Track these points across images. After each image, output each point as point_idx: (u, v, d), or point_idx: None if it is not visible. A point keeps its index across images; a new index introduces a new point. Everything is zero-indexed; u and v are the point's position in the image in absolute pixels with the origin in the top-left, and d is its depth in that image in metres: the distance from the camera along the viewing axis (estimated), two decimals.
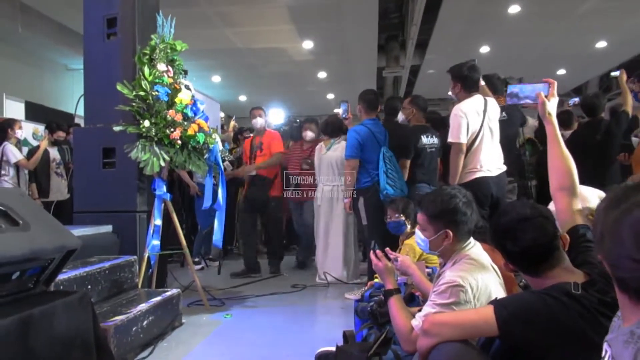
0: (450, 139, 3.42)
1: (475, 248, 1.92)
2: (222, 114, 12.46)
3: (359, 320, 2.58)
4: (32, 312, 1.81)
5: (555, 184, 1.76)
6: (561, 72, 10.98)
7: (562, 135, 5.46)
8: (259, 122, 5.46)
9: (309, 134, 5.59)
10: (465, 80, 3.39)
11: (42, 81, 9.21)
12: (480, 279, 1.76)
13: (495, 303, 1.42)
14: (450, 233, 1.89)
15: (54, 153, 5.79)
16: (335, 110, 4.90)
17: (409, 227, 3.48)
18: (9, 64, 8.36)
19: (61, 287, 2.54)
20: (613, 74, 4.76)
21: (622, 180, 4.81)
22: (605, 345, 1.13)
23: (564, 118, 5.52)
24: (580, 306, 1.33)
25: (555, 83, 1.92)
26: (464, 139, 3.38)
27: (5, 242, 1.79)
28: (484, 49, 9.25)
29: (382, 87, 11.65)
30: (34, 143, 7.08)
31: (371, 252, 2.29)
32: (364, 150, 4.20)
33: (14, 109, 8.18)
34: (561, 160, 1.78)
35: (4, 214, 1.93)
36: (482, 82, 3.66)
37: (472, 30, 8.35)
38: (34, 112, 8.41)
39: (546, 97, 1.90)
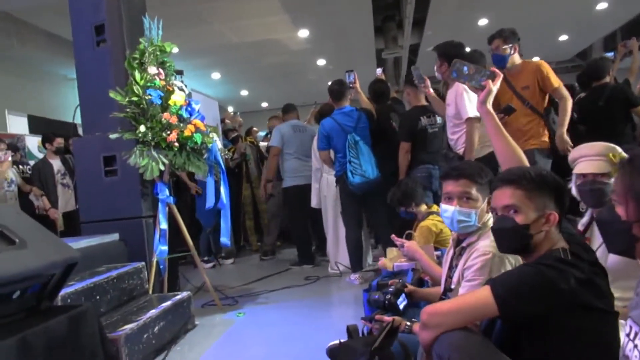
0: (469, 114, 3.31)
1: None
2: (231, 110, 12.46)
3: (368, 310, 2.55)
4: (33, 331, 1.79)
5: None
6: (563, 37, 10.75)
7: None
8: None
9: None
10: (456, 58, 3.30)
11: (43, 93, 9.23)
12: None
13: (491, 282, 1.40)
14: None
15: (57, 164, 5.76)
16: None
17: (422, 207, 3.45)
18: (8, 79, 8.38)
19: (69, 301, 2.53)
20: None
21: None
22: (629, 322, 1.10)
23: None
24: (576, 270, 1.33)
25: (501, 76, 1.88)
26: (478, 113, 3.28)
27: (1, 263, 1.78)
28: (483, 22, 9.08)
29: (383, 69, 11.51)
30: (40, 155, 7.10)
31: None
32: (331, 141, 4.44)
33: (17, 124, 8.24)
34: (510, 149, 1.77)
35: None
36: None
37: (469, 3, 8.19)
38: (37, 124, 8.44)
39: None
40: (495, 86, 1.84)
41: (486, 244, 1.74)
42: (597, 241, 2.12)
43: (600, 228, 1.63)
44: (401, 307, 2.13)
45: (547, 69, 3.51)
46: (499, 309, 1.34)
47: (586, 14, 9.20)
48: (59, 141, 5.79)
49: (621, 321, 1.84)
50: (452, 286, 1.92)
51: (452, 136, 3.57)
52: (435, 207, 3.51)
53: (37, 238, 2.03)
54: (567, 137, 3.45)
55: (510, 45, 3.54)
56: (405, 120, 4.28)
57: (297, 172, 5.33)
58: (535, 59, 12.41)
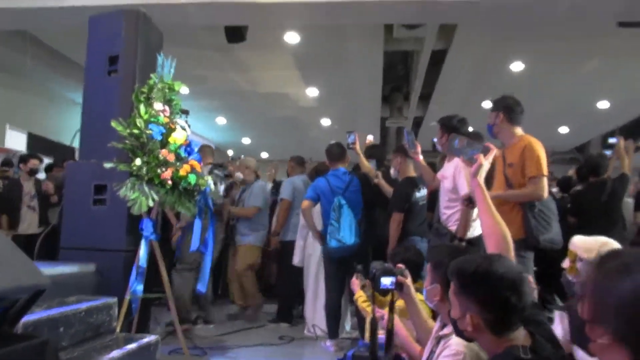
0: (466, 191, 3.18)
1: None
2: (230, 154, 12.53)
3: None
4: None
5: (493, 250, 1.71)
6: (564, 129, 11.01)
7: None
8: None
9: None
10: (456, 132, 3.29)
11: (47, 113, 9.25)
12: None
13: None
14: (439, 289, 1.78)
15: (28, 186, 5.64)
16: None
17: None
18: (15, 94, 8.42)
19: (30, 329, 2.41)
20: (611, 140, 4.73)
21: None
22: None
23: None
24: None
25: (495, 151, 1.90)
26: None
27: None
28: (487, 104, 9.30)
29: (385, 136, 11.68)
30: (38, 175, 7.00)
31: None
32: (321, 200, 4.35)
33: (16, 140, 8.21)
34: (495, 225, 1.74)
35: None
36: None
37: (475, 85, 8.43)
38: (36, 143, 8.41)
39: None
40: (487, 161, 1.84)
41: (458, 341, 1.66)
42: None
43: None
44: (381, 285, 2.01)
45: (534, 152, 3.01)
46: None
47: (587, 110, 9.47)
48: (34, 162, 5.72)
49: None
50: None
51: (446, 210, 3.52)
52: (419, 284, 3.41)
53: (6, 259, 1.95)
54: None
55: (496, 112, 3.23)
56: (400, 191, 4.23)
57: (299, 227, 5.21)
58: None
